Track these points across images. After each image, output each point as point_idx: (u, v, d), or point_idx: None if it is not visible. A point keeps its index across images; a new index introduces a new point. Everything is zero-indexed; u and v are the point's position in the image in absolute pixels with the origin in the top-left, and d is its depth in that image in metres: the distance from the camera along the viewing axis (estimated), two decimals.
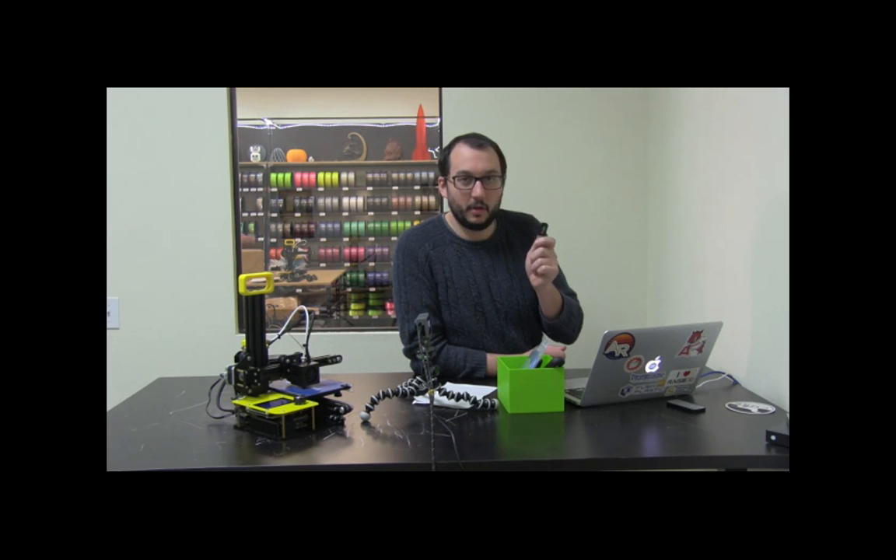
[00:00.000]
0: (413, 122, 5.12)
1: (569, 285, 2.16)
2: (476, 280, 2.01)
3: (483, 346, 2.01)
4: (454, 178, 1.97)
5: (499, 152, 2.02)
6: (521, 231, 2.11)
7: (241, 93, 2.90)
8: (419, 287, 1.99)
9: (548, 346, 1.74)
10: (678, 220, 2.52)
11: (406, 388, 1.75)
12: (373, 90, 4.91)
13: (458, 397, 1.67)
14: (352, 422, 1.61)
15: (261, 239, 5.07)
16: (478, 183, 1.95)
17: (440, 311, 2.00)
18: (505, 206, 2.14)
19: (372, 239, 4.94)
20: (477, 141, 1.99)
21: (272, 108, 5.21)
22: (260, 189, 5.08)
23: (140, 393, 1.95)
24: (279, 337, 1.65)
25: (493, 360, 1.92)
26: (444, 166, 2.04)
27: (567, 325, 2.04)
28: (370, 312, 4.92)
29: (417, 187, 4.98)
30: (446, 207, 2.12)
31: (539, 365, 1.69)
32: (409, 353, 2.02)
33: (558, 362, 1.68)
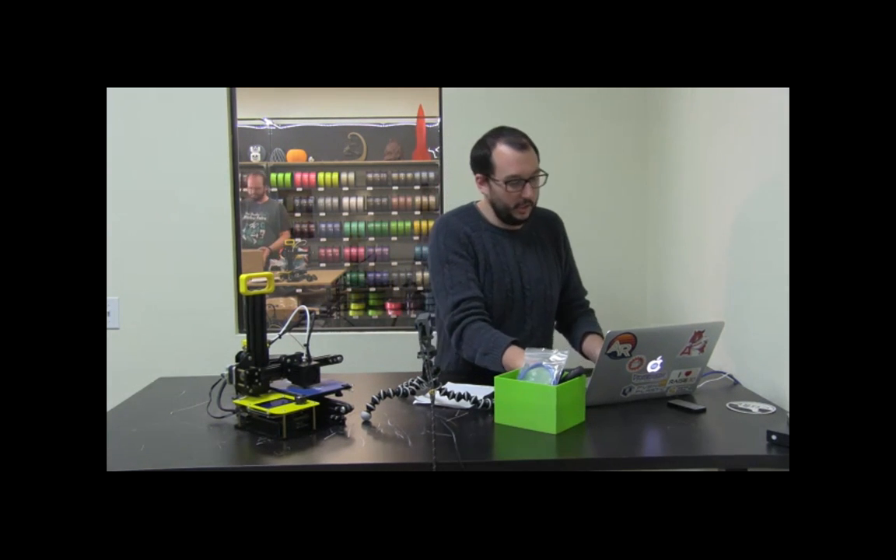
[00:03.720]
0: (413, 122, 5.12)
1: (582, 285, 2.23)
2: (509, 266, 2.04)
3: (501, 330, 1.99)
4: (504, 181, 1.97)
5: (535, 148, 2.03)
6: (546, 226, 2.16)
7: (241, 93, 2.90)
8: (464, 264, 2.00)
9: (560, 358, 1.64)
10: (678, 219, 2.52)
11: (406, 388, 1.75)
12: (373, 90, 4.91)
13: (459, 397, 1.66)
14: (352, 422, 1.61)
15: None
16: (527, 185, 1.97)
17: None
18: None
19: (372, 239, 4.93)
20: (519, 141, 1.99)
21: (272, 108, 5.21)
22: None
23: (140, 393, 1.95)
24: (280, 337, 1.65)
25: (511, 352, 1.83)
26: (484, 165, 2.02)
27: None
28: (370, 312, 4.91)
29: (417, 187, 4.98)
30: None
31: (563, 379, 1.58)
32: (452, 326, 1.97)
33: (578, 372, 1.62)
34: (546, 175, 2.02)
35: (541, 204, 2.18)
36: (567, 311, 2.17)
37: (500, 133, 2.02)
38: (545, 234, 2.14)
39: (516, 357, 1.80)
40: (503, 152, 1.98)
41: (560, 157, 2.83)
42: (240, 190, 2.88)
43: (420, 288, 4.83)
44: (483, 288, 2.01)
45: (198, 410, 1.72)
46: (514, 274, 2.04)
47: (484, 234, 2.05)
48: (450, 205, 2.81)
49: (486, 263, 2.02)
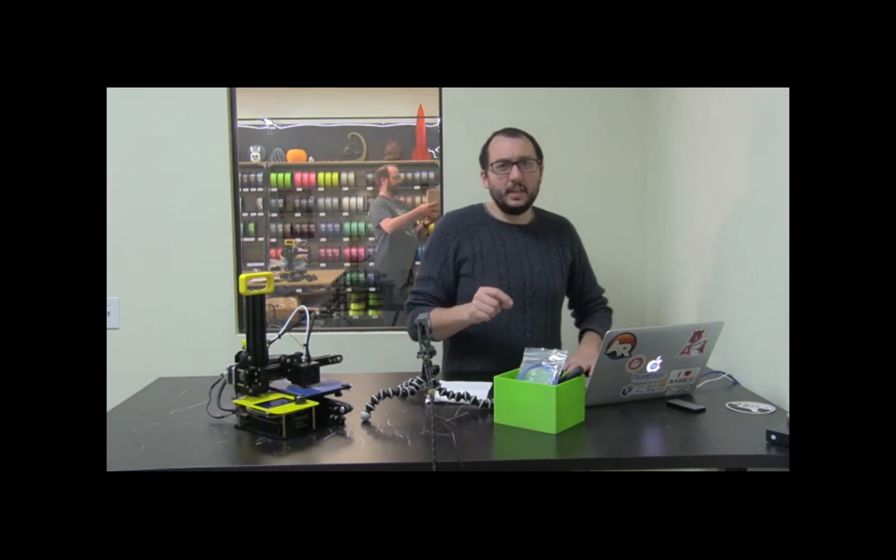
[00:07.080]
0: (413, 122, 5.12)
1: (598, 285, 2.35)
2: (507, 257, 2.12)
3: (502, 320, 2.07)
4: (493, 164, 2.12)
5: (533, 141, 2.16)
6: (556, 229, 2.25)
7: (241, 93, 2.90)
8: (435, 260, 2.14)
9: (565, 361, 1.64)
10: (678, 219, 2.52)
11: (406, 388, 1.75)
12: (373, 90, 4.91)
13: (459, 397, 1.67)
14: (352, 421, 1.61)
15: (261, 239, 5.07)
16: (514, 167, 2.08)
17: (450, 283, 2.13)
18: None
19: (372, 239, 4.93)
20: (511, 131, 2.15)
21: (272, 108, 5.21)
22: (260, 189, 5.08)
23: (140, 393, 1.95)
24: (279, 337, 1.65)
25: (436, 313, 2.01)
26: (483, 159, 2.19)
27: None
28: (370, 312, 4.91)
29: (417, 187, 4.98)
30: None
31: (562, 380, 1.58)
32: (407, 307, 2.17)
33: (577, 372, 1.61)
34: (538, 162, 2.14)
35: (542, 202, 2.22)
36: (584, 308, 2.30)
37: (500, 129, 2.18)
38: (552, 235, 2.23)
39: (442, 314, 2.01)
40: (495, 141, 2.15)
41: (560, 156, 2.84)
42: (240, 190, 2.88)
43: None
44: (473, 277, 2.10)
45: (198, 410, 1.72)
46: (511, 264, 2.12)
47: (482, 230, 2.15)
48: (449, 205, 2.81)
49: (476, 256, 2.12)
